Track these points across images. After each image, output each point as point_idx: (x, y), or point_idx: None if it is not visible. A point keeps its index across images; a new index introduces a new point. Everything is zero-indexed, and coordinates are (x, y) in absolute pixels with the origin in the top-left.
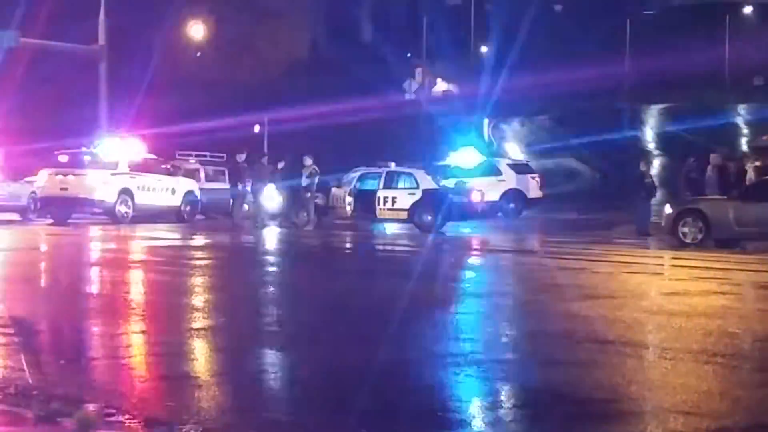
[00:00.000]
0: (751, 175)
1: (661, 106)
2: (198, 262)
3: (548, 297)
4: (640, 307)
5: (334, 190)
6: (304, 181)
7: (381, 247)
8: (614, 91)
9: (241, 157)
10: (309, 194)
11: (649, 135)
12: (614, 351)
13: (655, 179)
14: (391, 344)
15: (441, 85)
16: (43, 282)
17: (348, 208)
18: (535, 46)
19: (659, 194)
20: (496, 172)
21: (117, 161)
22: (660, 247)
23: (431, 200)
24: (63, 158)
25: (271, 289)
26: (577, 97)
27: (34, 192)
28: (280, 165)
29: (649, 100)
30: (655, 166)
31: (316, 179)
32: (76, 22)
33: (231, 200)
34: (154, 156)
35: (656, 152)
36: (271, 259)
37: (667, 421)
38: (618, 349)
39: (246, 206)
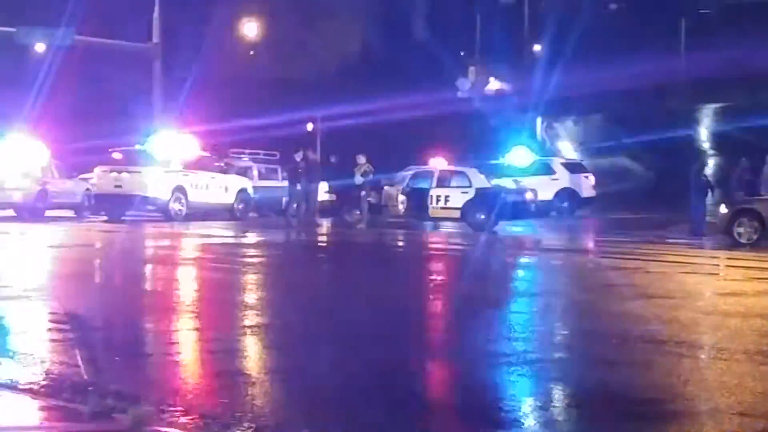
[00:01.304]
0: None
1: (715, 105)
2: (251, 260)
3: (602, 297)
4: (695, 308)
5: (386, 188)
6: (357, 180)
7: (433, 246)
8: (668, 90)
9: (299, 156)
10: (362, 193)
11: (703, 134)
12: (669, 351)
13: (710, 179)
14: (444, 343)
15: (494, 84)
16: (97, 279)
17: (400, 206)
18: (588, 44)
19: (714, 194)
20: (549, 171)
21: (171, 159)
22: (715, 247)
23: (484, 199)
24: (117, 155)
25: (324, 286)
26: (631, 95)
27: (88, 189)
28: (333, 159)
29: (703, 99)
30: (710, 165)
31: (369, 177)
32: (130, 20)
33: (284, 198)
34: (207, 154)
35: (711, 152)
36: (323, 256)
37: (722, 422)
38: (673, 350)
39: (297, 204)
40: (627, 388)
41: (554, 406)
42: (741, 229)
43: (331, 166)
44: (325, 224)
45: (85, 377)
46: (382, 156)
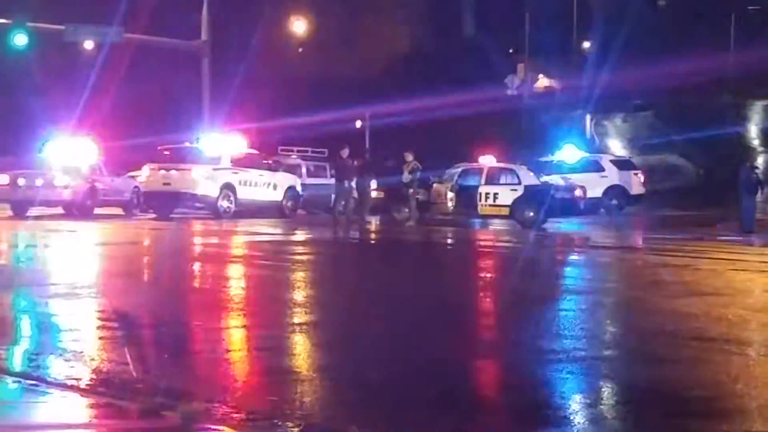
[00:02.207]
0: None
1: (765, 101)
2: (299, 257)
3: (651, 294)
4: (745, 305)
5: (435, 185)
6: (405, 177)
7: (482, 243)
8: (718, 87)
9: (345, 153)
10: (410, 190)
11: (752, 131)
12: (718, 349)
13: (760, 176)
14: (493, 340)
15: (543, 81)
16: (146, 276)
17: (449, 204)
18: (637, 41)
19: (764, 191)
20: (598, 168)
21: (219, 156)
22: (765, 244)
23: (533, 196)
24: (166, 153)
25: (372, 284)
26: (680, 92)
27: (137, 187)
28: (389, 162)
29: (753, 95)
30: (760, 162)
31: (417, 175)
32: (179, 17)
33: (333, 196)
34: (255, 151)
35: (760, 148)
36: (371, 254)
37: None
38: (722, 347)
39: (345, 202)
40: (676, 386)
41: (603, 404)
42: None
43: (381, 165)
44: (373, 222)
45: (134, 375)
46: (431, 153)
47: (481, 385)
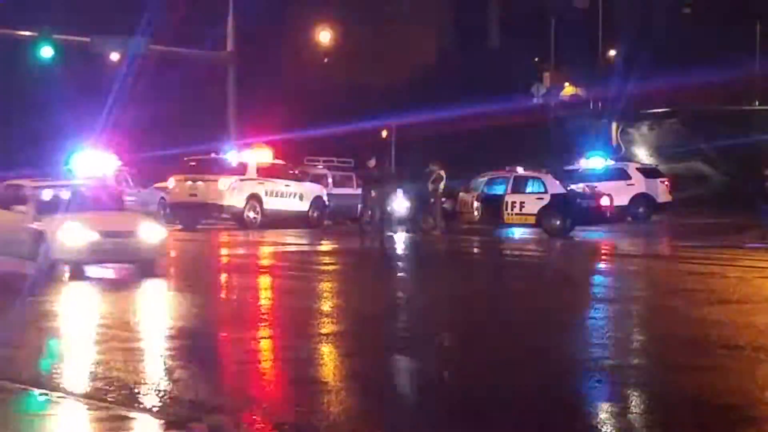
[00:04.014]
0: None
1: None
2: (326, 268)
3: (678, 302)
4: None
5: (461, 195)
6: (431, 186)
7: (509, 252)
8: (744, 94)
9: (371, 163)
10: (435, 199)
11: None
12: (746, 356)
13: None
14: (520, 349)
15: (569, 89)
16: (172, 287)
17: (475, 213)
18: (663, 49)
19: None
20: (625, 176)
21: (245, 167)
22: None
23: (560, 205)
24: (192, 164)
25: (399, 294)
26: (707, 100)
27: (163, 198)
28: (370, 163)
29: None
30: None
31: (442, 184)
32: (204, 28)
33: (359, 206)
34: (281, 161)
35: None
36: (398, 264)
37: None
38: (750, 355)
39: (372, 212)
40: (705, 394)
41: (632, 412)
42: None
43: (369, 170)
44: (399, 231)
45: (160, 386)
46: (457, 162)
47: (509, 393)
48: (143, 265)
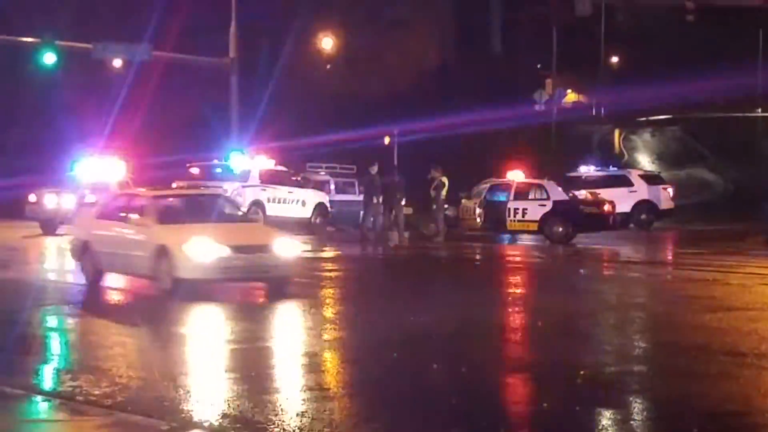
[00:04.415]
0: None
1: None
2: (328, 274)
3: (681, 308)
4: None
5: (463, 201)
6: (433, 193)
7: (511, 259)
8: (747, 101)
9: (374, 170)
10: (437, 206)
11: None
12: (749, 363)
13: None
14: (524, 356)
15: (571, 96)
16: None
17: (478, 219)
18: (666, 56)
19: None
20: (627, 183)
21: (248, 173)
22: None
23: (562, 212)
24: (195, 170)
25: (402, 300)
26: (709, 107)
27: None
28: (373, 169)
29: None
30: None
31: (444, 191)
32: (206, 35)
33: (361, 212)
34: (284, 168)
35: None
36: (400, 270)
37: None
38: (752, 362)
39: (374, 218)
40: (707, 401)
41: (634, 419)
42: None
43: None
44: (401, 238)
45: (164, 392)
46: (459, 169)
47: (512, 399)
48: (276, 284)
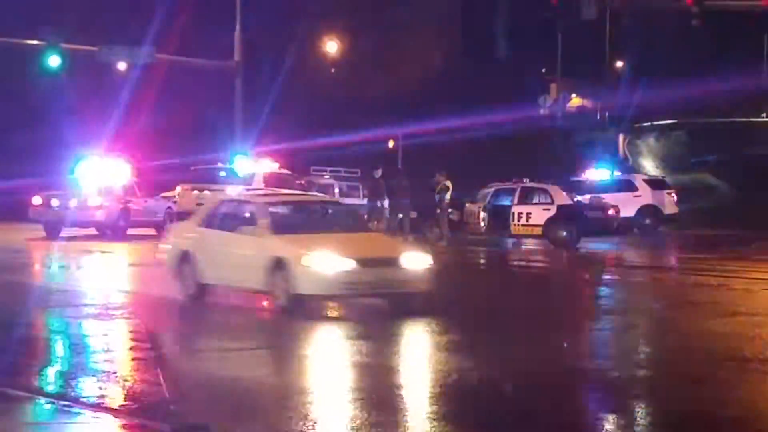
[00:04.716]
0: None
1: None
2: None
3: (685, 314)
4: None
5: (467, 205)
6: (437, 197)
7: (515, 264)
8: (751, 106)
9: (378, 173)
10: (441, 210)
11: None
12: (753, 369)
13: None
14: (525, 359)
15: (575, 100)
16: (179, 297)
17: (482, 223)
18: (671, 60)
19: None
20: (631, 187)
21: (252, 176)
22: None
23: (566, 216)
24: (199, 173)
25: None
26: (714, 112)
27: (170, 207)
28: (377, 173)
29: None
30: None
31: (448, 195)
32: (211, 38)
33: (365, 215)
34: (288, 171)
35: None
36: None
37: None
38: (757, 367)
39: (377, 222)
40: (711, 406)
41: (639, 424)
42: None
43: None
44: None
45: (167, 395)
46: (463, 173)
47: (510, 402)
48: (405, 300)
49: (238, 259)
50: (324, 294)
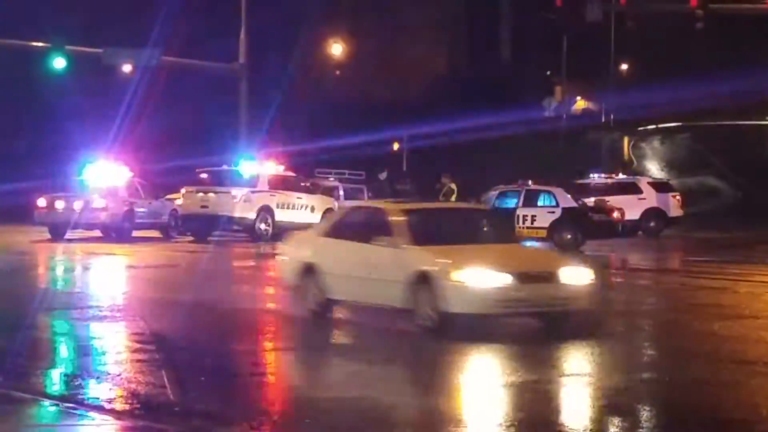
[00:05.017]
0: None
1: None
2: None
3: (689, 316)
4: None
5: None
6: (442, 199)
7: None
8: (756, 109)
9: (383, 176)
10: None
11: None
12: (757, 371)
13: None
14: (529, 362)
15: (580, 103)
16: (183, 299)
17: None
18: (675, 63)
19: None
20: (636, 190)
21: (257, 179)
22: None
23: (571, 219)
24: (204, 176)
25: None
26: (719, 114)
27: (174, 209)
28: (382, 175)
29: None
30: None
31: (453, 197)
32: (216, 40)
33: None
34: (293, 174)
35: None
36: None
37: None
38: (760, 370)
39: None
40: (715, 408)
41: (642, 427)
42: None
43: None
44: None
45: (172, 397)
46: (468, 175)
47: (518, 409)
48: (564, 319)
49: (372, 273)
50: (476, 312)
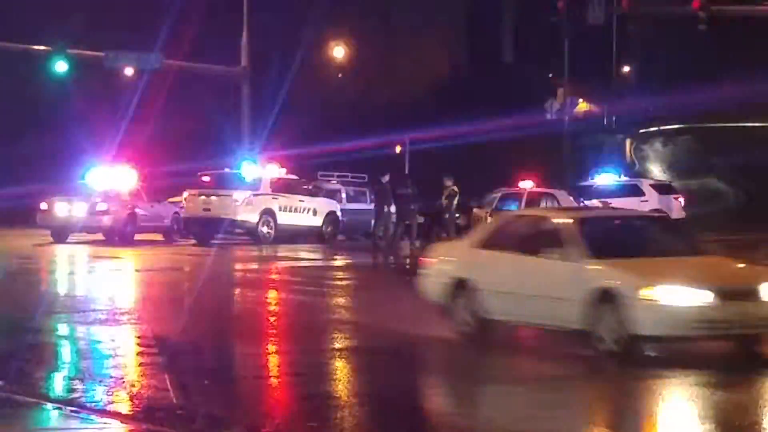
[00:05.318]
0: None
1: None
2: (339, 283)
3: None
4: None
5: (475, 210)
6: (444, 202)
7: None
8: (759, 110)
9: (385, 179)
10: (447, 215)
11: None
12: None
13: None
14: (527, 361)
15: (583, 105)
16: (186, 303)
17: None
18: (678, 65)
19: None
20: (638, 192)
21: (259, 182)
22: None
23: None
24: (206, 179)
25: (411, 310)
26: (721, 116)
27: (177, 213)
28: (384, 178)
29: None
30: None
31: (455, 200)
32: (218, 44)
33: (373, 221)
34: (295, 176)
35: None
36: (410, 279)
37: None
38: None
39: (385, 227)
40: (719, 411)
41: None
42: None
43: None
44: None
45: (174, 400)
46: (471, 178)
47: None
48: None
49: (541, 290)
50: (673, 335)
